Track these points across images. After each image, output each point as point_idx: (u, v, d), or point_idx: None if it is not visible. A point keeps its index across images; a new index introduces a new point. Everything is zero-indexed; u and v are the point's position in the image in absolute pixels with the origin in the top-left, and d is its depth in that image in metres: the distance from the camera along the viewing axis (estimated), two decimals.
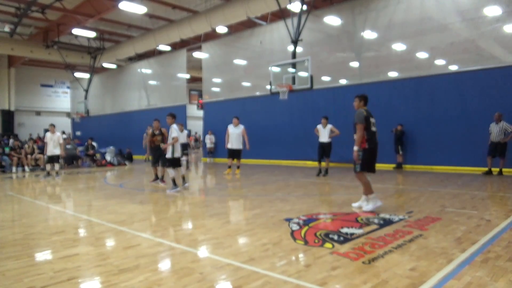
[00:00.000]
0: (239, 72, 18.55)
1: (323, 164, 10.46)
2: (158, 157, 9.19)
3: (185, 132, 13.07)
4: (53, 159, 11.38)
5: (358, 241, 4.05)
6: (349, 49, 14.33)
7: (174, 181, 8.00)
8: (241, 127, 11.27)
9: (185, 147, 13.01)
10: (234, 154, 11.33)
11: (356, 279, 3.00)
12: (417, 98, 12.06)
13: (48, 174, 11.33)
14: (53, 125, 11.42)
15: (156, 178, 9.42)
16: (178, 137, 7.95)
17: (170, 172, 7.99)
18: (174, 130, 7.84)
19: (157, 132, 9.27)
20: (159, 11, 17.43)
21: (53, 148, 11.20)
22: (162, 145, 8.25)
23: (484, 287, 2.82)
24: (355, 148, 5.57)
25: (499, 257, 3.47)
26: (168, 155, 7.98)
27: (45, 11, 16.92)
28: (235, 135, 11.16)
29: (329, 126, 10.14)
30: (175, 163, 8.04)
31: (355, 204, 5.97)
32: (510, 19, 10.58)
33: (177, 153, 8.02)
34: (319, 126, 10.28)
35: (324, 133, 10.15)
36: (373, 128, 5.73)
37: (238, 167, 11.58)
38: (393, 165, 12.43)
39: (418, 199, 6.57)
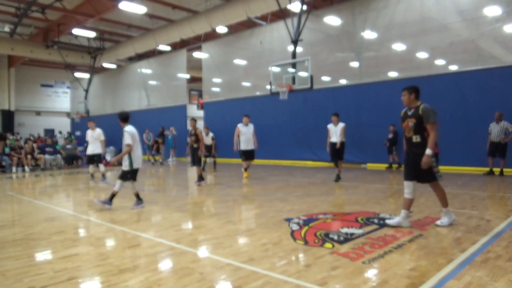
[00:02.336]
0: (239, 72, 18.55)
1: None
2: (193, 157, 9.20)
3: (210, 134, 12.89)
4: (92, 159, 10.16)
5: (358, 241, 4.05)
6: (349, 49, 14.32)
7: (138, 195, 6.58)
8: (251, 126, 10.49)
9: (209, 149, 12.77)
10: (250, 155, 10.56)
11: (356, 279, 3.00)
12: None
13: (92, 176, 10.25)
14: (92, 121, 10.24)
15: (201, 178, 9.40)
16: (133, 144, 6.41)
17: (132, 187, 6.59)
18: (128, 135, 6.30)
19: (192, 132, 9.16)
20: (159, 11, 17.43)
21: (93, 146, 9.96)
22: (112, 160, 6.86)
23: (484, 287, 2.82)
24: (429, 152, 4.43)
25: (499, 257, 3.47)
26: (125, 167, 6.43)
27: (45, 11, 16.91)
28: (248, 135, 10.35)
29: (341, 125, 9.20)
30: (134, 175, 6.55)
31: (439, 222, 4.75)
32: (510, 19, 10.57)
33: (137, 164, 6.49)
34: (330, 126, 9.33)
35: (335, 132, 9.19)
36: None
37: (245, 169, 10.72)
38: (386, 165, 12.60)
39: (418, 199, 6.57)
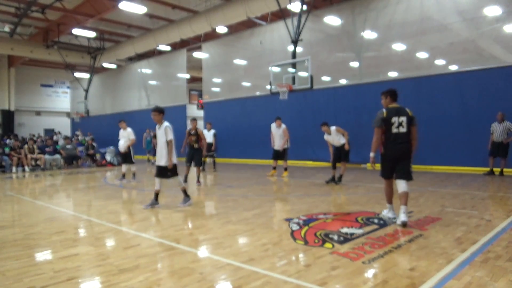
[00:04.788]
0: (239, 72, 18.57)
1: (338, 164, 9.04)
2: (192, 157, 9.19)
3: (212, 131, 12.75)
4: (124, 159, 10.36)
5: (358, 241, 4.05)
6: (349, 49, 14.33)
7: (186, 191, 6.50)
8: (283, 127, 10.77)
9: (210, 147, 12.56)
10: (278, 155, 10.91)
11: (356, 279, 3.00)
12: (417, 98, 12.05)
13: (123, 176, 10.28)
14: (123, 120, 10.35)
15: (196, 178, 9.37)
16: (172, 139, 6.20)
17: (181, 181, 6.51)
18: (171, 130, 6.09)
19: (193, 132, 9.15)
20: (159, 11, 17.43)
21: (122, 145, 10.11)
22: (169, 164, 6.24)
23: (484, 287, 2.82)
24: (370, 154, 5.14)
25: (499, 257, 3.47)
26: (164, 163, 6.23)
27: (45, 11, 16.93)
28: (278, 136, 10.78)
29: (334, 128, 8.78)
30: (175, 171, 6.34)
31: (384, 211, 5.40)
32: (510, 19, 10.58)
33: (175, 158, 6.31)
34: (326, 137, 8.96)
35: (334, 139, 8.88)
36: (395, 130, 4.88)
37: (285, 169, 11.09)
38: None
39: (418, 199, 6.57)
